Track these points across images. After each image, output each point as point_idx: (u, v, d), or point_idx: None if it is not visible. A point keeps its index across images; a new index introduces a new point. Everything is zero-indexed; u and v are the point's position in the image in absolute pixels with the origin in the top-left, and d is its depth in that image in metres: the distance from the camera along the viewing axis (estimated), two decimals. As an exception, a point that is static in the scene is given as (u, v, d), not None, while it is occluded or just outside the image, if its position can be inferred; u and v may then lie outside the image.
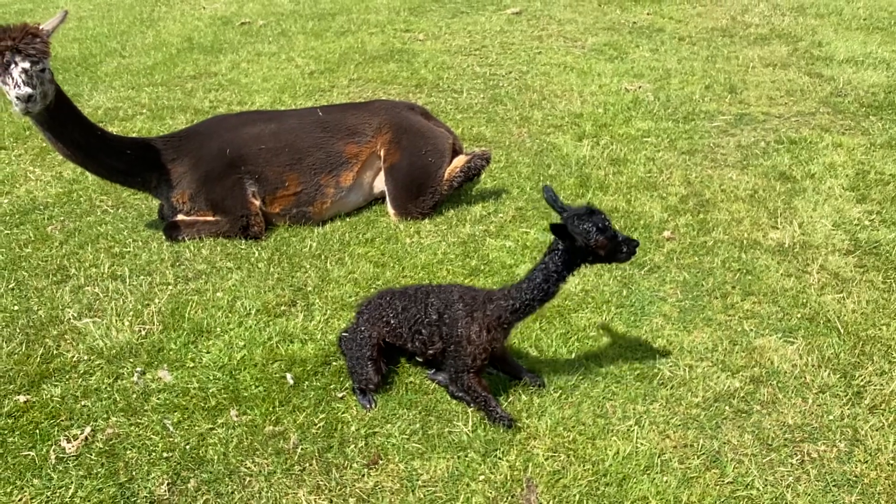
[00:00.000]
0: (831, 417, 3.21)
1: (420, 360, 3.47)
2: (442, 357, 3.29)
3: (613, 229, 2.92)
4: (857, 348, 3.64)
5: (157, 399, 3.37)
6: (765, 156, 5.90)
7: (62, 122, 4.30)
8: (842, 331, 3.76)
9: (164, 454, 3.06)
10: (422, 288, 3.40)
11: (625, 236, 2.97)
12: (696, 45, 9.03)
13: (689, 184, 5.45)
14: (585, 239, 2.86)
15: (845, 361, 3.55)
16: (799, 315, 3.91)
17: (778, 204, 5.09)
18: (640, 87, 7.55)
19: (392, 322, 3.34)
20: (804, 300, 4.03)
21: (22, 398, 3.36)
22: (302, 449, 3.08)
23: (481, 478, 2.92)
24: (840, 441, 3.09)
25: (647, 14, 10.44)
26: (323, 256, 4.56)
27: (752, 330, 3.80)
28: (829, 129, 6.37)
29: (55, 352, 3.70)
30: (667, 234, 4.74)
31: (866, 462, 2.99)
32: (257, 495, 2.87)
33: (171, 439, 3.14)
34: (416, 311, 3.30)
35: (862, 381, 3.42)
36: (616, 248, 2.95)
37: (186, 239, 4.79)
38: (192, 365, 3.60)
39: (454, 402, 3.31)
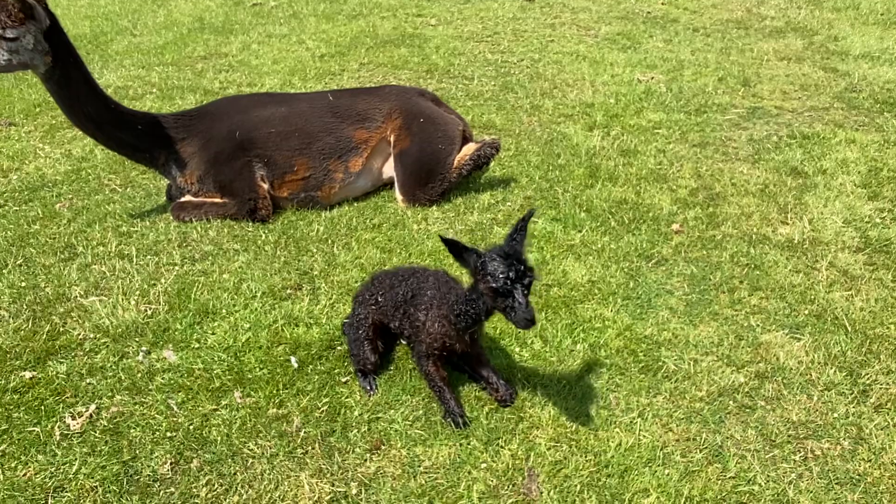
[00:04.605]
0: (836, 415, 3.20)
1: (405, 342, 3.46)
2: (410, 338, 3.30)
3: (506, 284, 2.58)
4: (864, 346, 3.62)
5: (162, 379, 3.38)
6: (777, 150, 5.85)
7: (74, 92, 4.32)
8: (849, 328, 3.74)
9: (168, 434, 3.08)
10: (410, 269, 3.37)
11: (521, 302, 2.58)
12: (711, 36, 8.94)
13: (700, 177, 5.42)
14: (466, 265, 2.74)
15: (852, 359, 3.53)
16: (806, 311, 3.89)
17: (788, 199, 5.05)
18: (652, 78, 7.50)
19: (380, 300, 3.33)
20: (812, 297, 4.00)
21: (28, 374, 3.38)
22: (305, 432, 3.08)
23: (483, 465, 2.93)
24: (844, 439, 3.08)
25: (662, 4, 10.35)
26: (330, 241, 4.56)
27: (758, 325, 3.78)
28: (843, 125, 6.31)
29: (61, 329, 3.72)
30: (675, 226, 4.71)
31: (870, 461, 2.97)
32: (259, 477, 2.88)
33: (174, 419, 3.15)
34: (398, 290, 3.27)
35: (868, 379, 3.40)
36: (504, 306, 2.63)
37: (194, 220, 4.79)
38: (197, 346, 3.61)
39: (457, 389, 3.31)
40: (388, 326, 3.39)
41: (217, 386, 3.34)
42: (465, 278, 3.82)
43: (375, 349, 3.35)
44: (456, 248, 2.71)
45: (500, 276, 2.58)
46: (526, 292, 2.61)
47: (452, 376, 3.34)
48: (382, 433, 3.09)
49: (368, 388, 3.31)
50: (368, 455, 2.98)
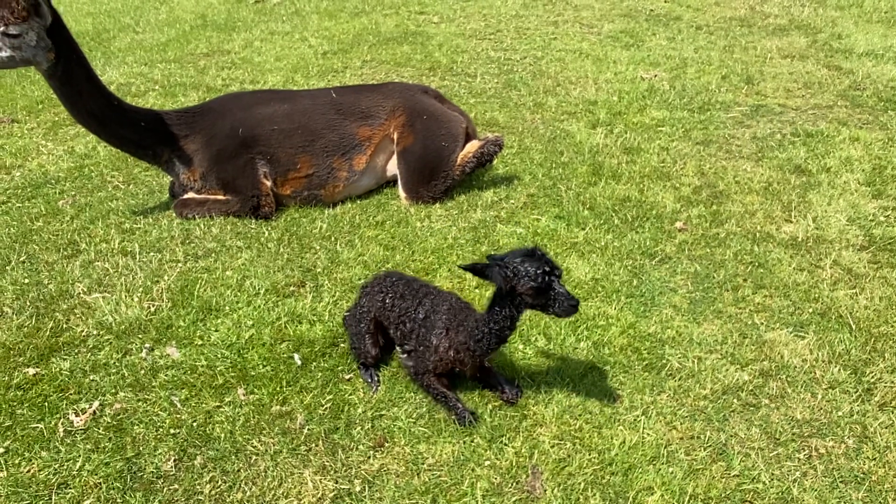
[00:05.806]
0: (840, 413, 3.19)
1: (399, 348, 3.46)
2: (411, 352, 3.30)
3: (544, 279, 2.68)
4: (868, 345, 3.61)
5: (165, 376, 3.38)
6: (780, 148, 5.84)
7: (77, 89, 4.32)
8: (853, 327, 3.73)
9: (172, 430, 3.08)
10: (425, 286, 3.36)
11: (562, 292, 2.72)
12: (714, 34, 8.93)
13: (703, 175, 5.40)
14: (494, 280, 2.78)
15: (856, 358, 3.52)
16: (810, 310, 3.88)
17: (792, 197, 5.04)
18: (655, 76, 7.48)
19: (387, 302, 3.32)
20: (816, 295, 3.99)
21: (31, 371, 3.38)
22: (308, 429, 3.08)
23: (487, 463, 2.92)
24: (849, 437, 3.07)
25: (665, 2, 10.33)
26: (333, 238, 4.55)
27: (762, 323, 3.77)
28: (847, 123, 6.29)
29: (65, 326, 3.72)
30: (679, 224, 4.70)
31: (874, 459, 2.97)
32: (263, 474, 2.88)
33: (178, 416, 3.15)
34: (409, 304, 3.26)
35: (872, 377, 3.39)
36: (546, 300, 2.74)
37: (197, 217, 4.79)
38: (200, 343, 3.60)
39: (461, 386, 3.30)
40: (387, 329, 3.40)
41: (220, 383, 3.34)
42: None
43: (376, 342, 3.36)
44: (479, 270, 2.81)
45: (538, 272, 2.69)
46: (561, 281, 2.74)
47: (452, 375, 3.34)
48: (386, 430, 3.08)
49: (371, 380, 3.31)
50: (372, 452, 2.98)
